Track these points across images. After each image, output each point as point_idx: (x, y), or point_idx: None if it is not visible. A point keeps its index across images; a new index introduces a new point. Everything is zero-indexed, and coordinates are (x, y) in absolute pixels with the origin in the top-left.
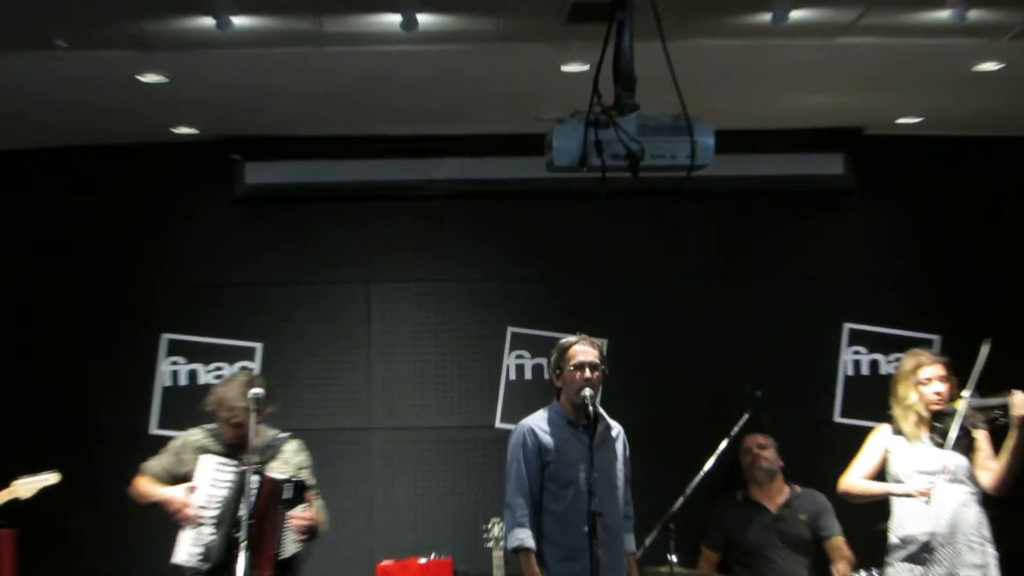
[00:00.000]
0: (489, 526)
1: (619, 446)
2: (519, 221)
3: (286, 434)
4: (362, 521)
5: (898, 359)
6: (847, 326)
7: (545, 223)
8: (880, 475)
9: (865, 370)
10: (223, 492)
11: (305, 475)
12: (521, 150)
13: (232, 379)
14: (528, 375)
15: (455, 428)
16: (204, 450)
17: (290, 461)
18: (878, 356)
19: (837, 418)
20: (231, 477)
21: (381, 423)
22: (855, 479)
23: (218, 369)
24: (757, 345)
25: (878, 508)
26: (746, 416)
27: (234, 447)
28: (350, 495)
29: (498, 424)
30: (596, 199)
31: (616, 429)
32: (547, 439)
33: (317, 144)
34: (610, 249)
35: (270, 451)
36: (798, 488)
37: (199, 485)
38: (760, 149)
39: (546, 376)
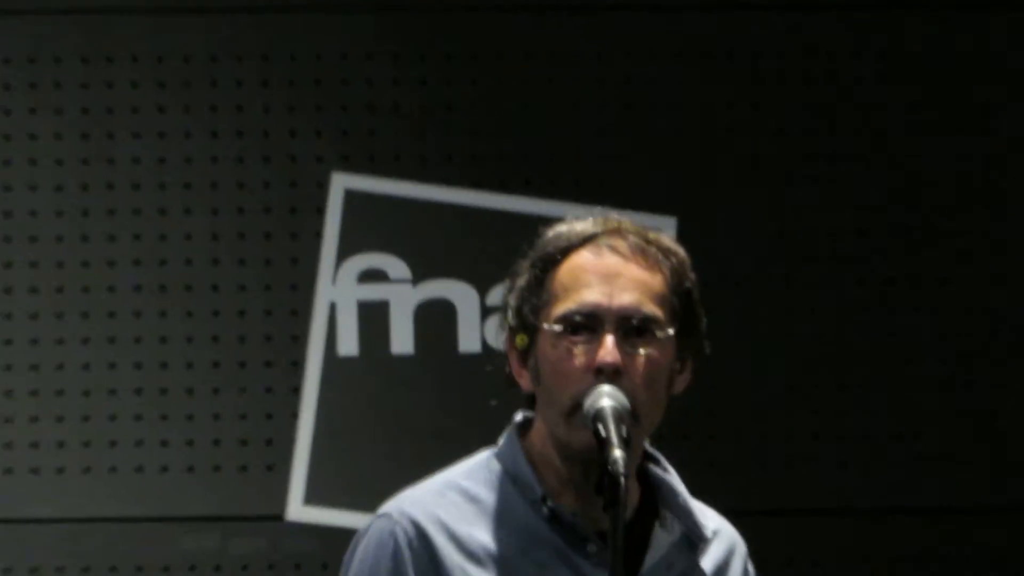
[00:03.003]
0: None
1: None
2: None
3: None
4: None
5: None
6: None
7: None
8: None
9: None
10: None
11: None
12: None
13: None
14: (405, 345)
15: (160, 524)
16: None
17: None
18: None
19: None
20: None
21: None
22: None
23: None
24: None
25: None
26: None
27: None
28: None
29: (294, 514)
30: None
31: (724, 543)
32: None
33: None
34: None
35: None
36: None
37: None
38: None
39: (478, 347)
